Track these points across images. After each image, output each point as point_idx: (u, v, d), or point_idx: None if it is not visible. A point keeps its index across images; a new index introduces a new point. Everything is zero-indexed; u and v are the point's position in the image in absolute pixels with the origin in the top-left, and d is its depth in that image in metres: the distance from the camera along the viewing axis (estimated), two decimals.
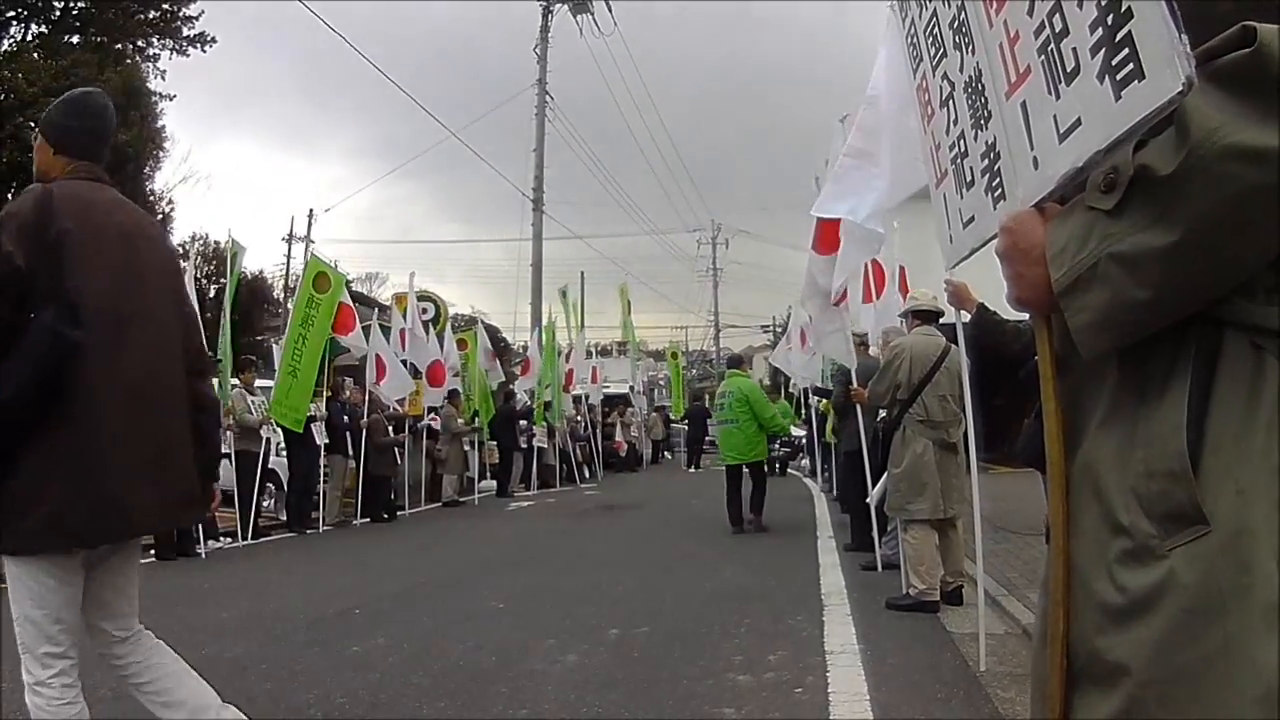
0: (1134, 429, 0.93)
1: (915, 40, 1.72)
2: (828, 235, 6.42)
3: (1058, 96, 1.08)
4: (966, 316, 4.17)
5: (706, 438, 23.07)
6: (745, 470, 8.85)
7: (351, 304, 10.75)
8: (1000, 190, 1.36)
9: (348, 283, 12.16)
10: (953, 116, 1.55)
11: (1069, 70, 1.05)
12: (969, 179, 1.52)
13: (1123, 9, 0.93)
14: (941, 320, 5.29)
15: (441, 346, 13.10)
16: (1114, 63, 0.95)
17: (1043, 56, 1.11)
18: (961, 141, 1.52)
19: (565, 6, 25.31)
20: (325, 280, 10.38)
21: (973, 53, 1.38)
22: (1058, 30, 1.06)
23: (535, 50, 25.18)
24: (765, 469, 9.37)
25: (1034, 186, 1.17)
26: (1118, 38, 0.94)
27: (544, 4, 25.00)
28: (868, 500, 6.26)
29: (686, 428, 23.28)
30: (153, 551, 7.84)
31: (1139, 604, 0.88)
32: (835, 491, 10.17)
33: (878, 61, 4.55)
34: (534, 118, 24.89)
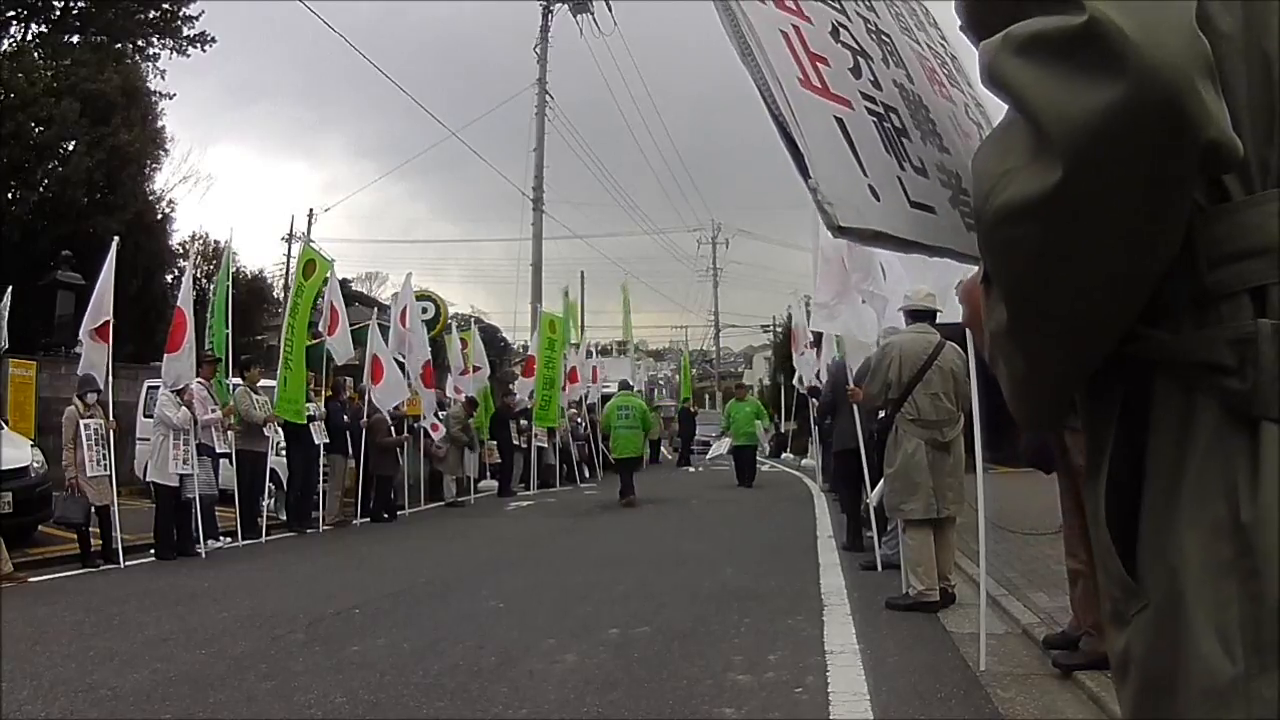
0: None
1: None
2: None
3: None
4: None
5: (695, 437, 23.53)
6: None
7: (340, 304, 10.66)
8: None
9: (347, 281, 12.16)
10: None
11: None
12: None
13: None
14: (949, 321, 5.27)
15: (446, 350, 13.08)
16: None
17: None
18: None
19: (565, 6, 25.32)
20: (312, 266, 10.39)
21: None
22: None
23: (535, 50, 25.21)
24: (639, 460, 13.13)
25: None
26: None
27: (544, 4, 25.00)
28: (866, 500, 6.26)
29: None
30: (152, 551, 7.85)
31: (1119, 667, 0.82)
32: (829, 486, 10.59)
33: None
34: (534, 117, 24.92)
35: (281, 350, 9.89)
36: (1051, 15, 0.65)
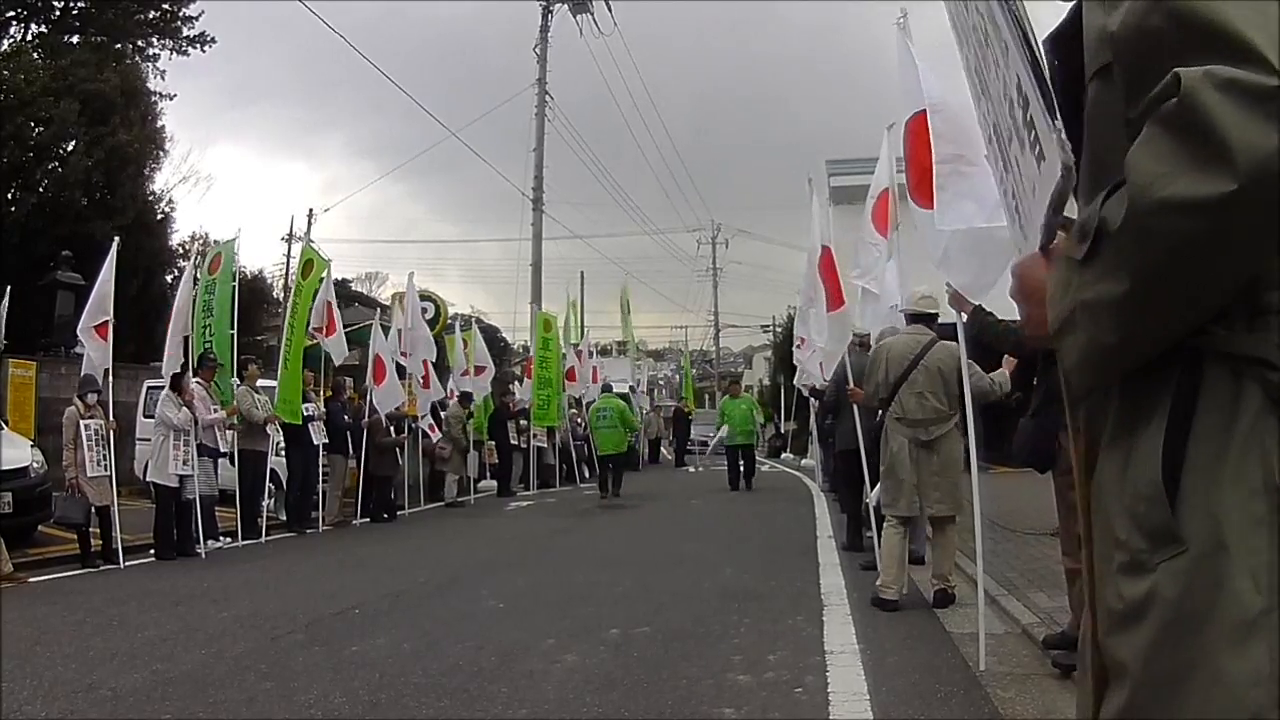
0: (1129, 453, 0.99)
1: (970, 74, 1.76)
2: (882, 215, 6.38)
3: (1027, 162, 1.18)
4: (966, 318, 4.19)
5: (690, 438, 23.89)
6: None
7: (334, 303, 10.62)
8: (1022, 231, 1.43)
9: (347, 281, 12.16)
10: (996, 154, 1.63)
11: (1025, 142, 1.14)
12: (1011, 217, 1.58)
13: (1021, 92, 1.02)
14: (943, 321, 5.31)
15: (447, 351, 13.03)
16: (1031, 140, 1.06)
17: (1013, 123, 1.21)
18: (1003, 180, 1.59)
19: (565, 6, 25.31)
20: (310, 266, 10.43)
21: (993, 104, 1.47)
22: (1018, 111, 1.15)
23: (535, 50, 25.19)
24: (629, 458, 15.04)
25: (1033, 233, 1.25)
26: (1027, 119, 1.04)
27: (544, 4, 24.98)
28: (867, 500, 6.29)
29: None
30: (152, 551, 7.85)
31: (1134, 611, 0.95)
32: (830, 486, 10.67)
33: (919, 73, 4.47)
34: (533, 117, 24.90)
35: (281, 351, 9.90)
36: (1245, 69, 0.84)
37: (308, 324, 10.12)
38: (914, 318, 5.39)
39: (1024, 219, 1.34)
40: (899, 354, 5.22)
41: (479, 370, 14.35)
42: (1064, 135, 0.94)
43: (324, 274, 10.46)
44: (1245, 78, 0.83)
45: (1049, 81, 1.05)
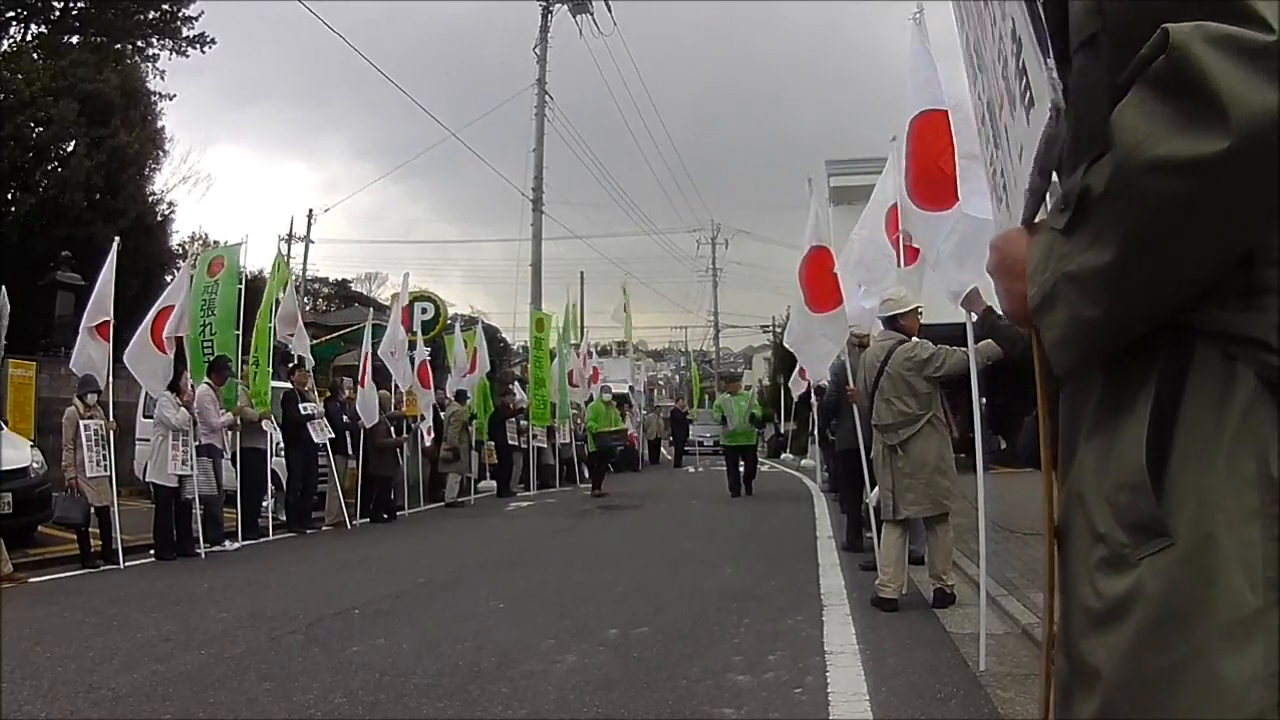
0: (1111, 441, 0.92)
1: (969, 52, 1.78)
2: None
3: (1016, 121, 1.14)
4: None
5: (687, 439, 24.19)
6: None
7: (297, 309, 10.71)
8: (1007, 209, 1.40)
9: (347, 282, 12.20)
10: (987, 135, 1.61)
11: (1015, 97, 1.11)
12: (998, 196, 1.57)
13: (1015, 37, 0.98)
14: (952, 322, 5.30)
15: (446, 351, 12.99)
16: (1021, 89, 1.01)
17: (1004, 83, 1.17)
18: (993, 160, 1.57)
19: (565, 6, 25.33)
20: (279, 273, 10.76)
21: (987, 75, 1.44)
22: (1010, 64, 1.12)
23: (535, 50, 25.21)
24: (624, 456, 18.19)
25: (1018, 206, 1.21)
26: (1020, 66, 1.00)
27: (544, 4, 25.00)
28: (866, 500, 6.30)
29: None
30: (152, 551, 7.85)
31: (1113, 610, 0.89)
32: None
33: (937, 71, 4.47)
34: (533, 118, 24.92)
35: (253, 349, 9.89)
36: (1236, 26, 0.79)
37: (270, 325, 10.19)
38: (886, 322, 5.46)
39: (1010, 194, 1.30)
40: (870, 363, 5.33)
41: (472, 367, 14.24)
42: (1055, 74, 0.88)
43: (285, 282, 10.67)
44: (1239, 33, 0.79)
45: (1042, 17, 0.98)
